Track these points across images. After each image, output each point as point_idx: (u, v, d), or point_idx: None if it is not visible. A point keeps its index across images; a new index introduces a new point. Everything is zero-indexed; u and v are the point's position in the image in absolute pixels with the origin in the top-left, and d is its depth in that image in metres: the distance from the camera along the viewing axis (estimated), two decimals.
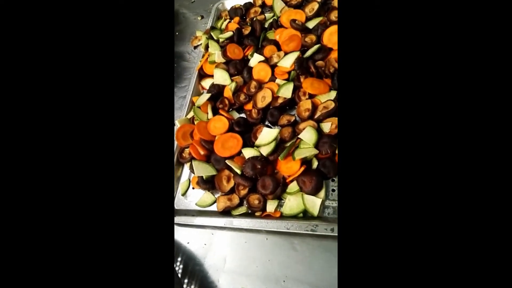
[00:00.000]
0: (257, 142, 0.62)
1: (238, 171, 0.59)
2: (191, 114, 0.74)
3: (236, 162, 0.61)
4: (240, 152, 0.64)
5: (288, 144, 0.59)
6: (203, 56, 0.84)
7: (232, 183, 0.61)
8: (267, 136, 0.61)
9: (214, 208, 0.63)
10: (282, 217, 0.56)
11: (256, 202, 0.58)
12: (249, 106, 0.71)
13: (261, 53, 0.76)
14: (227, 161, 0.61)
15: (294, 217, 0.55)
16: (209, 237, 0.61)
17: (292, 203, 0.56)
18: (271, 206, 0.57)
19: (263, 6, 0.88)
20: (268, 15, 0.85)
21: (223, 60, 0.79)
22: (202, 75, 0.82)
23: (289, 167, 0.57)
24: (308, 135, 0.59)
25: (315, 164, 0.57)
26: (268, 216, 0.56)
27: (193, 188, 0.67)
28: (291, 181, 0.57)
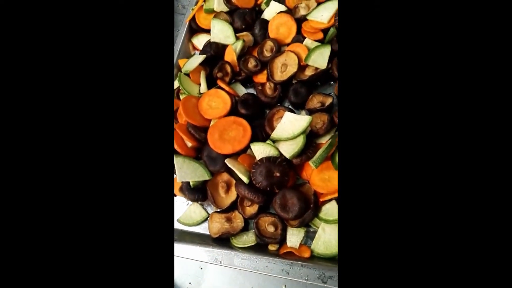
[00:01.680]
0: (274, 135, 0.40)
1: (244, 178, 0.38)
2: (176, 84, 0.50)
3: (241, 162, 0.40)
4: (247, 148, 0.41)
5: (322, 141, 0.37)
6: (197, 2, 0.59)
7: (233, 195, 0.40)
8: (290, 126, 0.39)
9: (205, 229, 0.42)
10: (313, 257, 0.36)
11: (271, 229, 0.38)
12: (261, 78, 0.48)
13: (281, 1, 0.53)
14: (227, 161, 0.39)
15: (331, 259, 0.35)
16: (196, 273, 0.41)
17: (329, 237, 0.36)
18: (294, 237, 0.37)
19: None
20: None
21: (226, 9, 0.55)
22: (194, 29, 0.58)
23: (325, 180, 0.36)
24: None
25: None
26: (290, 254, 0.36)
27: (174, 196, 0.45)
28: (328, 200, 0.37)
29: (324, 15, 0.47)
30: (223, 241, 0.40)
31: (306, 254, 0.36)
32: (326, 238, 0.36)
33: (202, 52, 0.53)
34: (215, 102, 0.46)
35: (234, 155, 0.42)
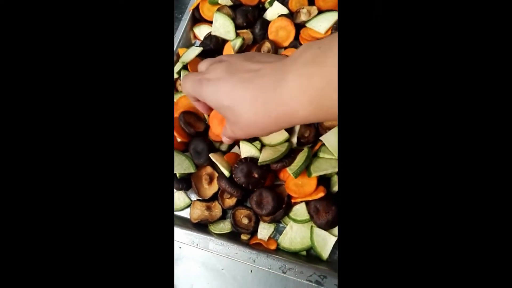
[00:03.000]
0: (266, 139, 0.43)
1: (226, 172, 0.42)
2: (175, 75, 0.52)
3: (226, 159, 0.43)
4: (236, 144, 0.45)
5: (303, 151, 0.41)
6: None
7: (215, 187, 0.44)
8: (274, 134, 0.42)
9: (186, 213, 0.46)
10: (278, 250, 0.40)
11: (245, 221, 0.42)
12: None
13: (284, 3, 0.53)
14: (211, 155, 0.43)
15: (293, 254, 0.40)
16: (174, 252, 0.45)
17: (295, 234, 0.40)
18: (264, 231, 0.42)
19: None
20: None
21: (230, 3, 0.55)
22: (197, 18, 0.58)
23: (299, 186, 0.40)
24: (333, 139, 0.41)
25: (335, 186, 0.41)
26: (259, 245, 0.41)
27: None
28: (299, 202, 0.41)
29: (322, 25, 0.49)
30: (201, 226, 0.44)
31: (272, 247, 0.40)
32: (292, 235, 0.41)
33: (202, 44, 0.54)
34: None
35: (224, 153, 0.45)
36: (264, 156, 0.41)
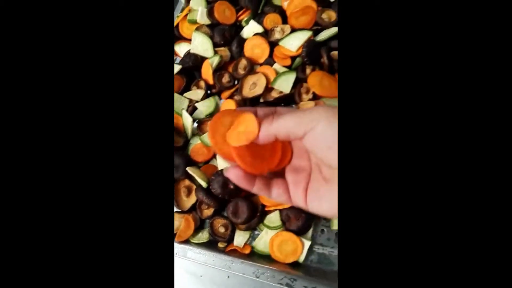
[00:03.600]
0: None
1: (203, 183, 0.44)
2: None
3: (203, 171, 0.46)
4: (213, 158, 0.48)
5: None
6: (182, 10, 0.62)
7: (193, 199, 0.47)
8: None
9: None
10: (253, 253, 0.43)
11: (222, 229, 0.44)
12: (226, 95, 0.54)
13: (259, 22, 0.57)
14: (188, 169, 0.45)
15: (267, 257, 0.43)
16: None
17: (269, 238, 0.43)
18: (240, 238, 0.44)
19: None
20: None
21: (208, 22, 0.58)
22: (176, 36, 0.61)
23: None
24: None
25: None
26: (234, 252, 0.43)
27: None
28: (273, 210, 0.44)
29: (294, 43, 0.52)
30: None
31: (247, 251, 0.43)
32: (267, 239, 0.43)
33: (181, 61, 0.57)
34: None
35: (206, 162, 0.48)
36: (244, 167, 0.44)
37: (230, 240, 0.44)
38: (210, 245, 0.45)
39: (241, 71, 0.55)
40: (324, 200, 0.26)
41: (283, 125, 0.25)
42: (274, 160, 0.28)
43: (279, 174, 0.29)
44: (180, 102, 0.54)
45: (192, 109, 0.54)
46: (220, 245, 0.44)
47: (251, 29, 0.57)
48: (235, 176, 0.27)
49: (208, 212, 0.46)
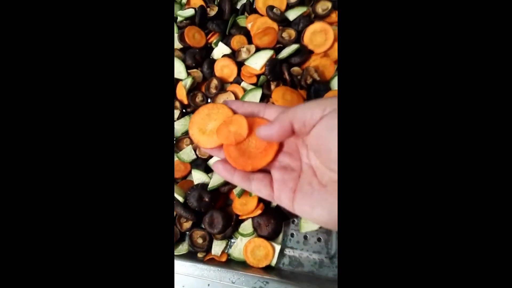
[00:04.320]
0: (211, 162, 0.50)
1: (180, 198, 0.48)
2: None
3: (180, 186, 0.49)
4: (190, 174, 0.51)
5: None
6: None
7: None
8: None
9: None
10: (229, 261, 0.46)
11: (200, 240, 0.48)
12: None
13: (227, 43, 0.61)
14: None
15: (243, 263, 0.46)
16: None
17: (243, 246, 0.46)
18: (217, 247, 0.47)
19: None
20: None
21: (180, 46, 0.62)
22: None
23: (243, 204, 0.46)
24: None
25: None
26: (212, 260, 0.46)
27: None
28: (246, 219, 0.47)
29: (258, 63, 0.56)
30: None
31: (223, 259, 0.46)
32: (241, 247, 0.46)
33: None
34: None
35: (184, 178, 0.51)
36: (213, 181, 0.47)
37: (208, 249, 0.48)
38: (190, 256, 0.48)
39: (213, 90, 0.59)
40: (317, 206, 0.24)
41: (300, 111, 0.25)
42: (262, 160, 0.28)
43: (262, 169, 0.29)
44: None
45: None
46: (199, 255, 0.48)
47: (220, 50, 0.61)
48: (217, 167, 0.29)
49: (187, 225, 0.49)
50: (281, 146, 0.29)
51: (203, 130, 0.31)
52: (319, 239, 0.46)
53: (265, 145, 0.28)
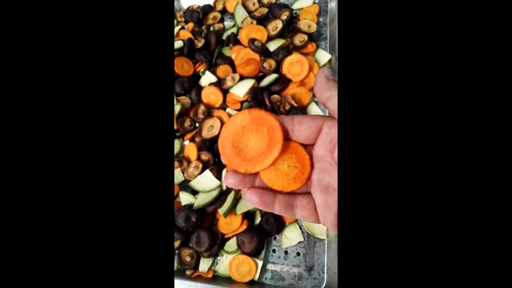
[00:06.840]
0: (193, 183, 0.53)
1: None
2: None
3: None
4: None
5: (231, 193, 0.52)
6: None
7: None
8: (207, 182, 0.53)
9: None
10: (215, 277, 0.50)
11: (188, 258, 0.51)
12: (188, 137, 0.62)
13: (214, 72, 0.66)
14: None
15: (228, 279, 0.49)
16: None
17: (228, 263, 0.50)
18: (204, 265, 0.51)
19: (224, 12, 0.77)
20: (228, 23, 0.74)
21: None
22: None
23: (228, 223, 0.50)
24: None
25: (258, 219, 0.51)
26: (200, 277, 0.50)
27: None
28: (231, 237, 0.51)
29: (241, 90, 0.62)
30: None
31: (210, 275, 0.49)
32: (227, 263, 0.50)
33: None
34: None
35: None
36: (199, 201, 0.51)
37: (196, 267, 0.51)
38: (179, 273, 0.51)
39: (200, 116, 0.63)
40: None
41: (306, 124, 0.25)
42: (258, 165, 0.26)
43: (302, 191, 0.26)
44: None
45: None
46: (188, 272, 0.51)
47: (207, 78, 0.66)
48: (252, 200, 0.25)
49: (176, 244, 0.52)
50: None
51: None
52: (298, 254, 0.50)
53: (264, 148, 0.26)
